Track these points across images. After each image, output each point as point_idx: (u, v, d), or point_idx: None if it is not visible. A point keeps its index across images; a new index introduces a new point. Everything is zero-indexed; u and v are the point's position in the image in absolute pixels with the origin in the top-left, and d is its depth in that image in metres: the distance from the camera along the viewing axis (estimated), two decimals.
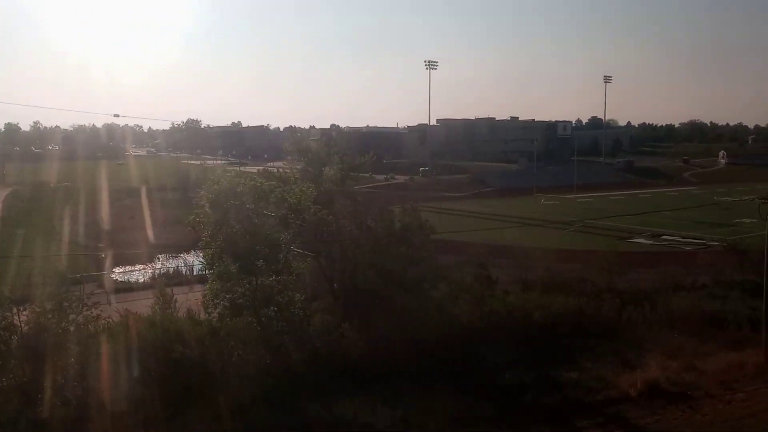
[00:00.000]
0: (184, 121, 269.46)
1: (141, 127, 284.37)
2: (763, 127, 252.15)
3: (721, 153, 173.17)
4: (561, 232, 61.84)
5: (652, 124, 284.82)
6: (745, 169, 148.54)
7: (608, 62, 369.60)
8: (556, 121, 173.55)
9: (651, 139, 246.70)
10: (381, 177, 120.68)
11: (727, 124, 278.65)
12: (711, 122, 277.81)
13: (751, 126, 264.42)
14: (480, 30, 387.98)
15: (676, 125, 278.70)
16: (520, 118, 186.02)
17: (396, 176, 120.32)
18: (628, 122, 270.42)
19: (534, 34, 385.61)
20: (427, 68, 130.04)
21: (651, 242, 54.14)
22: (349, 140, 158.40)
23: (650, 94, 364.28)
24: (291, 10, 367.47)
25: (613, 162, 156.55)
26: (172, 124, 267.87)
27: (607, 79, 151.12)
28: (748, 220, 59.63)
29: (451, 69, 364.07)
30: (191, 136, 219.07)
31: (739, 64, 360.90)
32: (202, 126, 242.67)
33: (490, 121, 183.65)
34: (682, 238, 55.91)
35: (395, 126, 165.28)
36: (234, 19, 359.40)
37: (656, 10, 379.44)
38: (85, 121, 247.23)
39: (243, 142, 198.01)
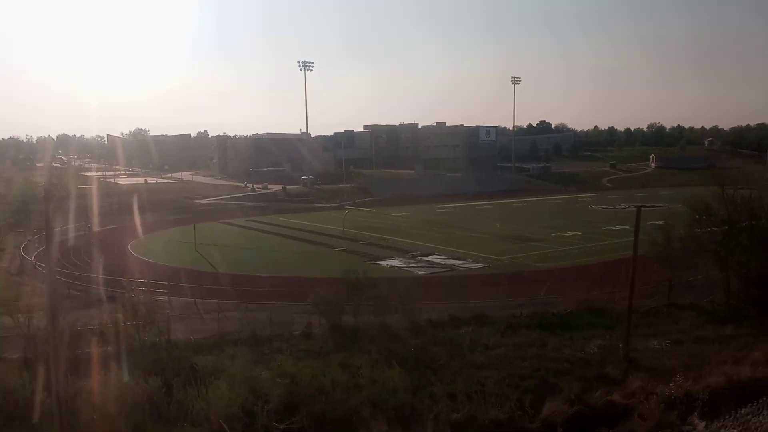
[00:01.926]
0: (132, 131, 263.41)
1: (103, 138, 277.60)
2: (728, 131, 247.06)
3: (651, 156, 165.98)
4: (330, 251, 53.63)
5: (612, 127, 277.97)
6: (676, 172, 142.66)
7: (566, 66, 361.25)
8: (477, 126, 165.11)
9: (605, 143, 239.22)
10: (258, 186, 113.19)
11: (703, 127, 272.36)
12: (679, 125, 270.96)
13: (727, 129, 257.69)
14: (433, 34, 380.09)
15: (633, 129, 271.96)
16: (447, 124, 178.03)
17: (270, 185, 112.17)
18: (597, 126, 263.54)
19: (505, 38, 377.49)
20: (301, 69, 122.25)
21: (400, 265, 45.60)
22: (236, 149, 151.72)
23: (609, 97, 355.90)
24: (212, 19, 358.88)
25: (529, 168, 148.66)
26: (122, 134, 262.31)
27: (515, 81, 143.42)
28: (619, 227, 59.90)
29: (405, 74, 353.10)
30: (128, 147, 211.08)
31: (708, 67, 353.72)
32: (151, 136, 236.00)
33: (413, 127, 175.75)
34: (456, 258, 47.56)
35: (299, 132, 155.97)
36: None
37: (627, 9, 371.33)
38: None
39: (164, 151, 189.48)
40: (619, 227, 59.81)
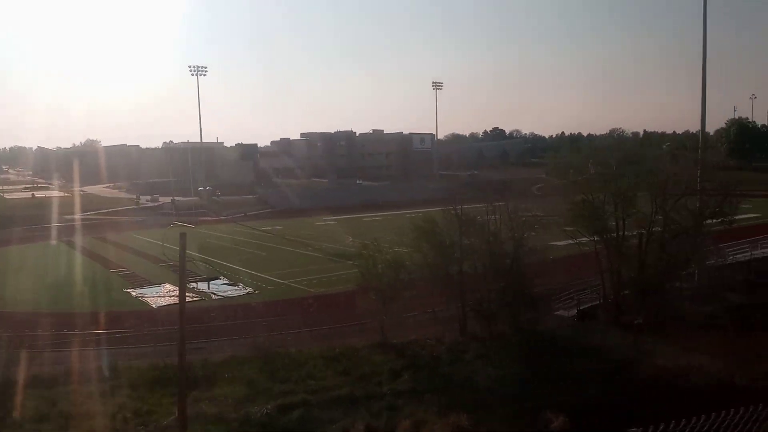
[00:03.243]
0: (83, 142, 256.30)
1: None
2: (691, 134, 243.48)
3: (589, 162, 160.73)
4: (108, 274, 47.67)
5: (580, 133, 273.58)
6: None
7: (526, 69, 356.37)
8: (411, 133, 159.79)
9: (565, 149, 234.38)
10: (147, 198, 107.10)
11: (674, 132, 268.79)
12: (645, 130, 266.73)
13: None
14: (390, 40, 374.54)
15: (598, 134, 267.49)
16: (385, 131, 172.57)
17: (160, 198, 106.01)
18: (564, 132, 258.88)
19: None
20: (193, 74, 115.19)
21: (151, 295, 39.59)
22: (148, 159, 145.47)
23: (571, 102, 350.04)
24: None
25: (459, 175, 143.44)
26: (73, 144, 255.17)
27: (437, 86, 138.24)
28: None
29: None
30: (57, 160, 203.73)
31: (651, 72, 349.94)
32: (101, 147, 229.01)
33: (350, 135, 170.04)
34: (231, 285, 41.69)
35: (215, 141, 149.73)
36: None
37: (628, 10, 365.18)
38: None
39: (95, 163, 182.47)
40: None
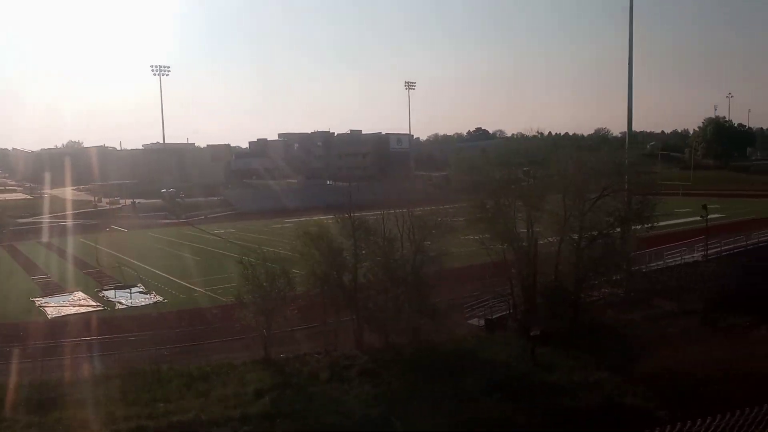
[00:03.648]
0: (65, 144, 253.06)
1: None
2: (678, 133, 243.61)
3: None
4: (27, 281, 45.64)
5: (567, 133, 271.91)
6: None
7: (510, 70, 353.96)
8: (388, 134, 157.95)
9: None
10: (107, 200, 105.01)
11: (663, 131, 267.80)
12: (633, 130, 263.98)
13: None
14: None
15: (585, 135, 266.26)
16: (363, 132, 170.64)
17: (121, 200, 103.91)
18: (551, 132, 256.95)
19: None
20: (155, 74, 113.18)
21: (52, 304, 37.57)
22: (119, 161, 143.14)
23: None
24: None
25: (432, 176, 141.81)
26: (55, 146, 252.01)
27: (409, 86, 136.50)
28: None
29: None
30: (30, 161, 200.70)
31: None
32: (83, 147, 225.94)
33: (326, 135, 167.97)
34: (143, 292, 39.76)
35: (185, 142, 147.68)
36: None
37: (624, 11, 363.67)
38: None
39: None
40: None
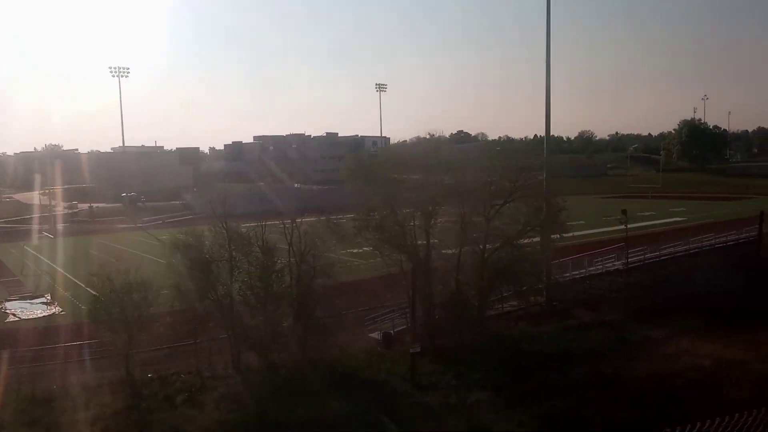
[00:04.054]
0: (45, 146, 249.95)
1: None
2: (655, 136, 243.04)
3: None
4: None
5: (552, 135, 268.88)
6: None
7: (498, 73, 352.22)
8: (362, 136, 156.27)
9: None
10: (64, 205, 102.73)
11: (649, 134, 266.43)
12: (617, 132, 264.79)
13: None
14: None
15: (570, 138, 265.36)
16: (339, 134, 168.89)
17: (79, 204, 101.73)
18: (537, 135, 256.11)
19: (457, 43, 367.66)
20: (114, 76, 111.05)
21: None
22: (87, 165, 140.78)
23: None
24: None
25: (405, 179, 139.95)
26: (35, 149, 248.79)
27: (380, 88, 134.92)
28: None
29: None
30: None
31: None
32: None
33: (301, 137, 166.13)
34: (45, 303, 37.79)
35: (154, 145, 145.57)
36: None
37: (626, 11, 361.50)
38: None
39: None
40: None
